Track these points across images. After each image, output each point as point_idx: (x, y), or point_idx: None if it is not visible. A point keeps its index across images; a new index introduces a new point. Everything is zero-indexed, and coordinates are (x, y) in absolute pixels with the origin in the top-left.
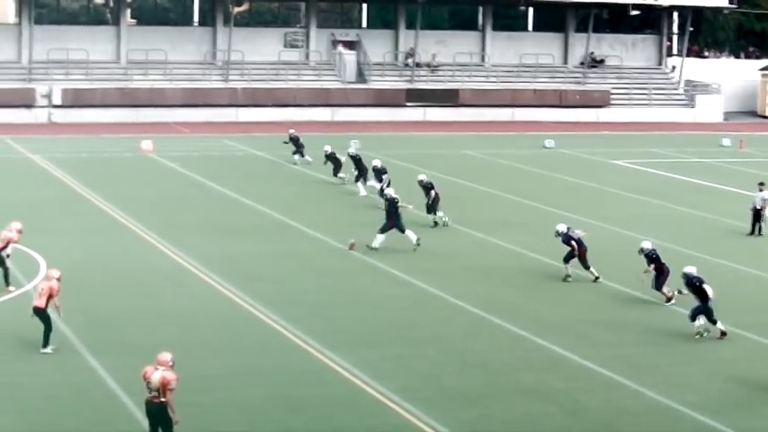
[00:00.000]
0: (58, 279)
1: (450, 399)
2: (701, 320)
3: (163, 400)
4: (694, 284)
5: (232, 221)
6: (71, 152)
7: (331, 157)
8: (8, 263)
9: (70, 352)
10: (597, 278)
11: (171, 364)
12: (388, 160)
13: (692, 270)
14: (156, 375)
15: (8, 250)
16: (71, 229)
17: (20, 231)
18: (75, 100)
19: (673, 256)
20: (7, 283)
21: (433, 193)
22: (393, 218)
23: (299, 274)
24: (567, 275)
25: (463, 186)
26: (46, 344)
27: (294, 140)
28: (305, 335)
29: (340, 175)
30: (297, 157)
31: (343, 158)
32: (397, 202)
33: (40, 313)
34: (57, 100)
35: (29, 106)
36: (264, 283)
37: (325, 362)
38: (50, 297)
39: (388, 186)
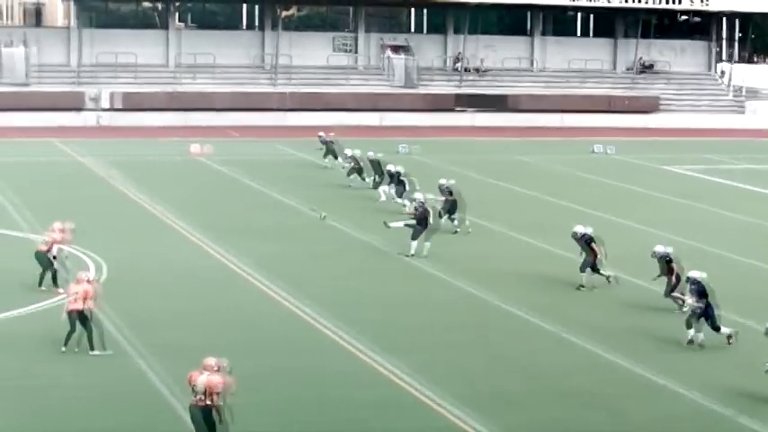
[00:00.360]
0: (89, 281)
1: (495, 402)
2: (695, 330)
3: (209, 403)
4: (699, 290)
5: (278, 223)
6: (120, 155)
7: (354, 161)
8: (56, 264)
9: (117, 353)
10: (610, 278)
11: (216, 368)
12: (437, 165)
13: (697, 274)
14: (202, 379)
15: (54, 251)
16: (119, 231)
17: (62, 231)
18: (125, 103)
19: (720, 261)
20: (56, 284)
21: (450, 198)
22: (424, 223)
23: (343, 276)
24: (610, 276)
25: (511, 191)
26: (92, 346)
27: (325, 143)
28: (349, 336)
29: (361, 177)
30: (332, 159)
31: (390, 166)
32: (424, 207)
33: (80, 317)
34: (106, 103)
35: (78, 109)
36: (309, 284)
37: (369, 363)
38: (86, 299)
39: (403, 191)
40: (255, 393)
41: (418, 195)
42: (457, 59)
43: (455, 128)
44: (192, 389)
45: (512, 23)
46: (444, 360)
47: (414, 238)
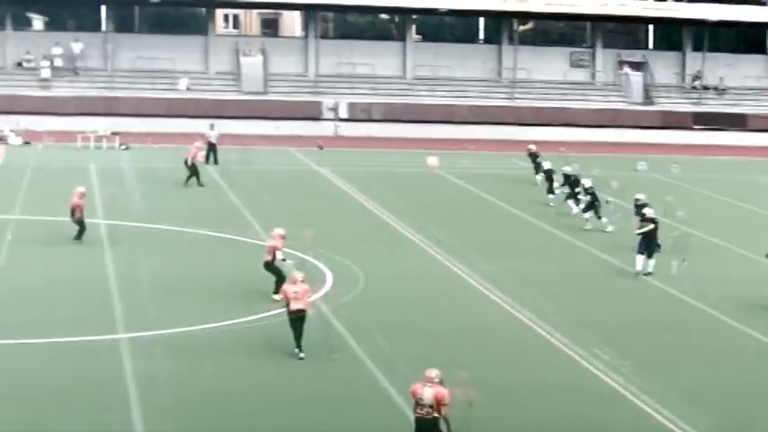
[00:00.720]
0: (302, 281)
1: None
2: None
3: (436, 415)
4: None
5: (515, 238)
6: (357, 165)
7: (569, 178)
8: (284, 269)
9: (353, 362)
10: None
11: (437, 380)
12: (671, 182)
13: None
14: (429, 392)
15: (279, 256)
16: (355, 241)
17: (283, 237)
18: (361, 114)
19: None
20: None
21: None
22: (654, 239)
23: (585, 295)
24: None
25: (746, 210)
26: (300, 348)
27: (533, 157)
28: (591, 356)
29: (557, 192)
30: (538, 177)
31: (585, 181)
32: (656, 222)
33: (305, 315)
34: (343, 113)
35: (316, 119)
36: (548, 301)
37: (610, 384)
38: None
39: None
40: (490, 407)
41: (648, 210)
42: (696, 77)
43: (692, 146)
44: (416, 401)
45: (750, 42)
46: (691, 383)
47: (650, 256)
